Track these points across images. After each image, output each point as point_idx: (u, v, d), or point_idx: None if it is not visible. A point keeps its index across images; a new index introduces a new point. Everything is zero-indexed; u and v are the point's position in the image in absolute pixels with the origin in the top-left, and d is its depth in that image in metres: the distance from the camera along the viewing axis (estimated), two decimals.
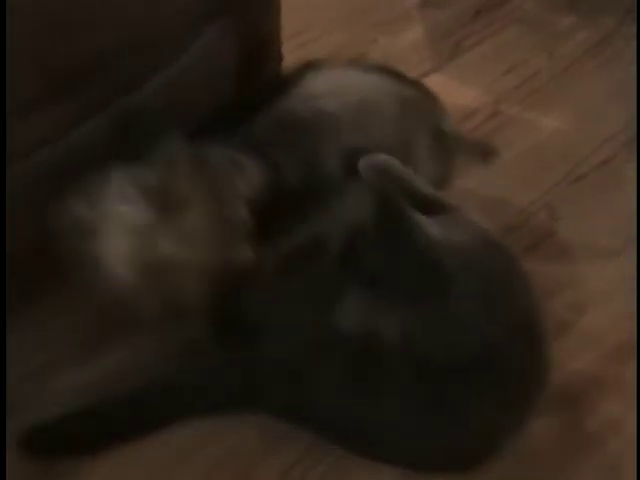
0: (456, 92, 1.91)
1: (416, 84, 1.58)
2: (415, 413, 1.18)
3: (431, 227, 1.27)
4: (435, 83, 1.91)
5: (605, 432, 1.33)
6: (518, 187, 1.69)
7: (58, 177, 1.27)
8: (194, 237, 1.26)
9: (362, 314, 1.20)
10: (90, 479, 1.23)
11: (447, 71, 1.97)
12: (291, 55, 1.81)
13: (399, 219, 1.26)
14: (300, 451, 1.28)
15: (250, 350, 1.25)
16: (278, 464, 1.27)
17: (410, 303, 1.21)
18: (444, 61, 1.99)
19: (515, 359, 1.22)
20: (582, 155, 1.77)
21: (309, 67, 1.52)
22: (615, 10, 2.13)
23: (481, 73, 1.96)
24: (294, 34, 1.92)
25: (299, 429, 1.26)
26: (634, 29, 2.10)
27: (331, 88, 1.45)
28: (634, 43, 2.04)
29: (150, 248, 1.24)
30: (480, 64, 1.99)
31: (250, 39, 1.60)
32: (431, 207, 1.33)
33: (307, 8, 2.03)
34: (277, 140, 1.38)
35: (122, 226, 1.24)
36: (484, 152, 1.60)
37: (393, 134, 1.44)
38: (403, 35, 2.04)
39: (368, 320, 1.19)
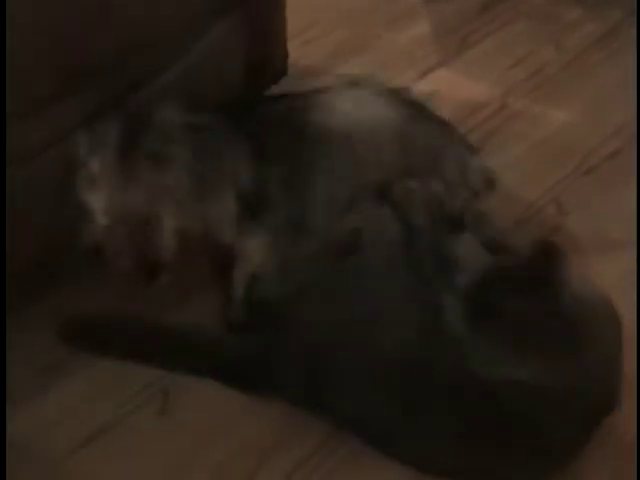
0: (463, 87, 1.91)
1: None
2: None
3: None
4: (442, 78, 1.92)
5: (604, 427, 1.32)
6: (526, 181, 1.69)
7: (68, 175, 1.31)
8: (168, 193, 1.33)
9: (491, 359, 1.21)
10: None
11: (454, 66, 1.96)
12: (296, 52, 1.82)
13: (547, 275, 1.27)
14: (314, 444, 1.28)
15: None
16: (290, 457, 1.27)
17: (541, 352, 1.22)
18: (450, 56, 1.98)
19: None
20: (590, 148, 1.76)
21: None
22: (621, 2, 2.12)
23: (488, 67, 1.95)
24: (299, 31, 1.92)
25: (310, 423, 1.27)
26: None
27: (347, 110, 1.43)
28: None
29: (122, 199, 1.31)
30: (487, 58, 1.98)
31: (257, 36, 1.61)
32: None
33: (312, 5, 2.03)
34: (273, 136, 1.39)
35: (103, 177, 1.31)
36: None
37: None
38: (408, 31, 2.04)
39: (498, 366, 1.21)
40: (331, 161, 1.37)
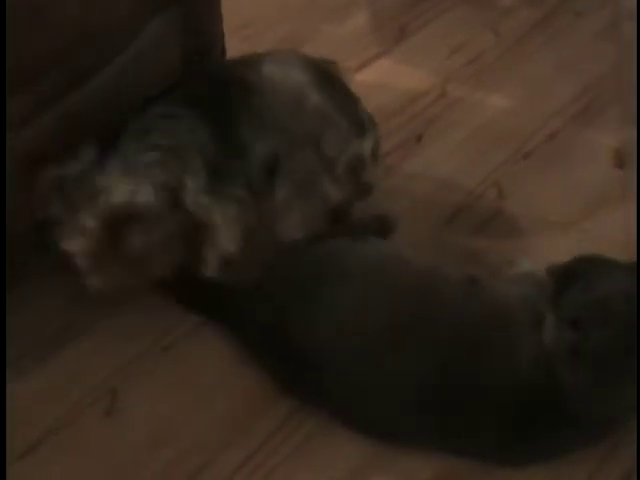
0: (404, 75, 1.92)
1: None
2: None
3: None
4: (382, 67, 1.94)
5: None
6: (467, 167, 1.71)
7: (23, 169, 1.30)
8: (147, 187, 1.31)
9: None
10: None
11: (393, 55, 1.98)
12: (236, 49, 1.81)
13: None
14: (260, 443, 1.29)
15: None
16: (236, 455, 1.28)
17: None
18: (390, 45, 2.00)
19: None
20: (528, 132, 1.79)
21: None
22: None
23: (427, 55, 1.97)
24: (238, 28, 1.92)
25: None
26: (578, 4, 2.13)
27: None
28: (578, 18, 2.08)
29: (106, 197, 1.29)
30: (426, 46, 2.00)
31: (193, 33, 1.60)
32: None
33: (250, 1, 2.04)
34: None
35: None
36: None
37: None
38: (347, 22, 2.05)
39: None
40: (253, 116, 1.41)
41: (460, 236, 1.58)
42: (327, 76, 1.50)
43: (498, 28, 2.06)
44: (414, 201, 1.63)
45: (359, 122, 1.48)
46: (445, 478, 1.25)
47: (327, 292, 1.30)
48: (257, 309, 1.35)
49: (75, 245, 1.31)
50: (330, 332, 1.27)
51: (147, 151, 1.34)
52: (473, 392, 1.22)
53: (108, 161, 1.32)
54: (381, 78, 1.90)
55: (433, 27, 2.06)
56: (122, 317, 1.41)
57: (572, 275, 1.24)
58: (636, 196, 1.65)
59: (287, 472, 1.25)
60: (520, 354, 1.22)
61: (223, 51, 1.71)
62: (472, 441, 1.24)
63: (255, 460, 1.27)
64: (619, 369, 1.20)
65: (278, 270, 1.36)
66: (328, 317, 1.28)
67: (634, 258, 1.34)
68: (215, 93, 1.43)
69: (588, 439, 1.25)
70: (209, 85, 1.46)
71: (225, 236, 1.37)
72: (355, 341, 1.26)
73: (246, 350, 1.37)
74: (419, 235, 1.54)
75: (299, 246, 1.39)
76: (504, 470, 1.25)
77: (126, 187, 1.30)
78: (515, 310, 1.27)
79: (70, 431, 1.29)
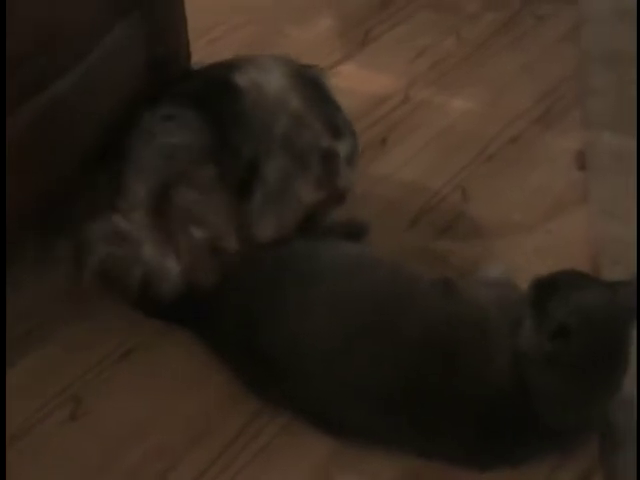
0: (368, 80, 1.94)
1: None
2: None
3: None
4: (346, 72, 1.95)
5: None
6: (431, 170, 1.73)
7: None
8: None
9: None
10: None
11: (358, 59, 2.00)
12: (202, 52, 1.82)
13: None
14: (225, 444, 1.29)
15: None
16: (202, 457, 1.28)
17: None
18: (354, 50, 2.02)
19: None
20: (492, 134, 1.81)
21: None
22: None
23: (391, 60, 1.99)
24: (203, 31, 1.93)
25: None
26: (540, 8, 2.15)
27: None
28: (540, 22, 2.10)
29: None
30: (390, 51, 2.02)
31: (157, 36, 1.60)
32: None
33: (215, 5, 2.05)
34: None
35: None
36: None
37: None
38: (312, 26, 2.06)
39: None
40: (240, 119, 1.44)
41: (425, 238, 1.59)
42: (308, 81, 1.51)
43: (461, 32, 2.08)
44: (379, 204, 1.64)
45: (335, 126, 1.49)
46: (409, 477, 1.25)
47: (297, 292, 1.30)
48: (223, 311, 1.35)
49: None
50: (298, 333, 1.27)
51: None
52: (443, 395, 1.22)
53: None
54: (346, 82, 1.89)
55: (397, 31, 2.08)
56: (84, 322, 1.41)
57: (555, 285, 1.25)
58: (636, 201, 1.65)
59: (253, 472, 1.25)
60: (493, 358, 1.23)
61: (188, 55, 1.71)
62: (440, 443, 1.25)
63: (221, 461, 1.26)
64: (594, 379, 1.21)
65: (245, 272, 1.37)
66: (297, 318, 1.29)
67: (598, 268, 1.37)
68: (207, 95, 1.46)
69: (555, 446, 1.25)
70: (201, 87, 1.49)
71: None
72: (323, 341, 1.26)
73: (211, 352, 1.37)
74: (384, 238, 1.55)
75: (268, 248, 1.40)
76: (469, 471, 1.25)
77: None
78: (490, 313, 1.27)
79: (34, 436, 1.28)
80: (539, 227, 1.63)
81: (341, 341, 1.26)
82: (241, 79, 1.46)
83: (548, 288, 1.23)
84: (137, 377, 1.36)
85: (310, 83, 1.51)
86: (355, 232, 1.51)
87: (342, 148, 1.48)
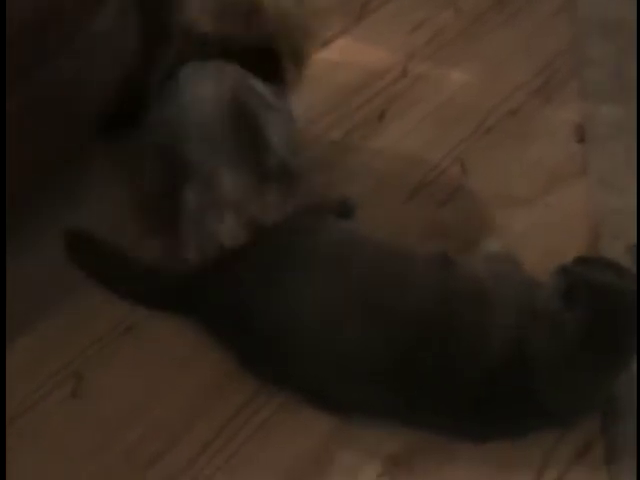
0: (365, 54, 1.92)
1: None
2: None
3: None
4: (343, 46, 1.94)
5: None
6: (429, 144, 1.72)
7: None
8: None
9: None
10: None
11: (355, 33, 1.98)
12: None
13: None
14: (220, 425, 1.29)
15: None
16: (199, 438, 1.28)
17: None
18: (351, 24, 1.99)
19: None
20: (490, 107, 1.80)
21: None
22: None
23: (388, 33, 1.97)
24: None
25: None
26: None
27: None
28: None
29: None
30: (387, 24, 2.00)
31: (150, 17, 1.60)
32: None
33: None
34: None
35: None
36: None
37: None
38: (307, 1, 2.04)
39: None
40: None
41: (424, 211, 1.58)
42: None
43: (458, 5, 2.06)
44: (377, 178, 1.63)
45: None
46: (408, 452, 1.26)
47: (293, 273, 1.30)
48: (221, 292, 1.34)
49: None
50: (296, 311, 1.27)
51: None
52: (441, 368, 1.22)
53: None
54: (342, 56, 1.90)
55: (394, 5, 2.06)
56: (83, 299, 1.40)
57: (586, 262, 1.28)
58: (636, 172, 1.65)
59: (252, 450, 1.25)
60: (491, 332, 1.23)
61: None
62: (438, 417, 1.25)
63: (220, 440, 1.26)
64: (600, 360, 1.22)
65: (241, 254, 1.36)
66: (294, 297, 1.28)
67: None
68: None
69: (555, 422, 1.26)
70: None
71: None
72: (321, 320, 1.26)
73: (209, 332, 1.36)
74: (384, 211, 1.55)
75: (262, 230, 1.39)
76: (457, 450, 1.25)
77: None
78: (488, 288, 1.27)
79: (34, 415, 1.28)
80: (538, 200, 1.63)
81: (336, 320, 1.25)
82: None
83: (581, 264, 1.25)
84: (138, 353, 1.36)
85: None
86: (344, 210, 1.49)
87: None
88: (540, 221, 1.59)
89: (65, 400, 1.30)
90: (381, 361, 1.23)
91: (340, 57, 1.89)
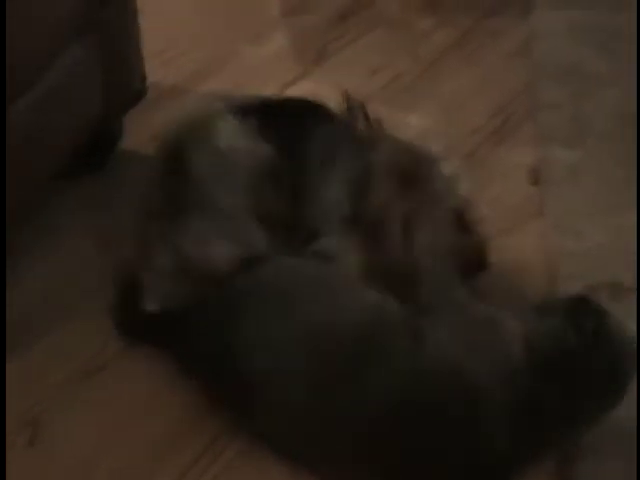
0: (324, 97, 1.92)
1: None
2: None
3: None
4: (303, 89, 1.96)
5: None
6: None
7: None
8: None
9: None
10: None
11: (314, 76, 2.00)
12: (156, 73, 1.82)
13: None
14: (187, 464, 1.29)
15: None
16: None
17: None
18: (310, 67, 2.02)
19: None
20: (447, 151, 1.82)
21: None
22: (472, 9, 2.21)
23: (347, 76, 1.99)
24: (157, 53, 1.92)
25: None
26: (492, 25, 2.18)
27: None
28: (492, 38, 2.13)
29: None
30: (345, 68, 2.03)
31: (113, 58, 1.61)
32: None
33: (168, 26, 2.04)
34: None
35: None
36: None
37: None
38: (267, 45, 2.06)
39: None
40: None
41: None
42: None
43: (416, 50, 2.09)
44: None
45: None
46: None
47: (263, 319, 1.28)
48: (197, 333, 1.33)
49: None
50: (265, 362, 1.25)
51: None
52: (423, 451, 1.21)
53: None
54: None
55: (352, 49, 2.09)
56: (46, 342, 1.40)
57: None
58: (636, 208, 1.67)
59: None
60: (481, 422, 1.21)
61: (143, 77, 1.71)
62: None
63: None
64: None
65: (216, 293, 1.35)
66: (264, 347, 1.26)
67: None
68: None
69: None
70: None
71: None
72: (289, 376, 1.24)
73: (173, 372, 1.36)
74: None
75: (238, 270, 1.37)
76: None
77: None
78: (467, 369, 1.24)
79: None
80: (496, 241, 1.64)
81: (306, 379, 1.24)
82: None
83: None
84: (98, 398, 1.36)
85: None
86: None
87: None
88: (497, 262, 1.60)
89: (24, 447, 1.29)
90: (351, 432, 1.21)
91: None
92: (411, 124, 1.89)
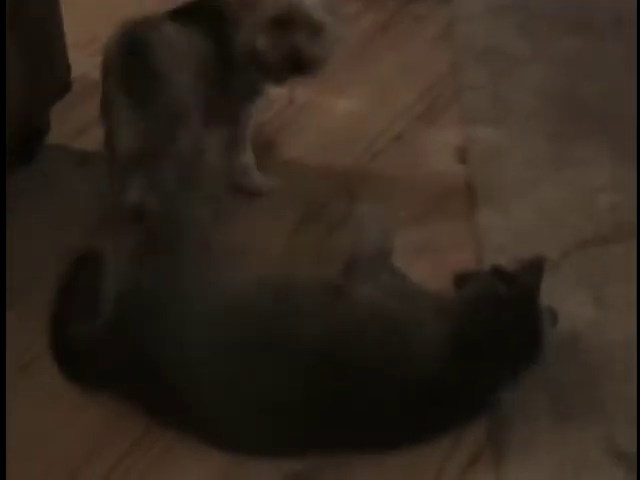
0: None
1: None
2: None
3: None
4: None
5: None
6: (316, 174, 1.75)
7: None
8: None
9: None
10: None
11: None
12: (85, 64, 1.82)
13: None
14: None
15: None
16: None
17: None
18: None
19: None
20: (376, 132, 1.86)
21: None
22: None
23: None
24: (86, 43, 1.92)
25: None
26: (416, 9, 2.22)
27: None
28: (417, 22, 2.16)
29: None
30: None
31: (34, 53, 1.60)
32: None
33: (92, 19, 2.02)
34: None
35: None
36: None
37: None
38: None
39: None
40: None
41: (313, 239, 1.61)
42: None
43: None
44: (265, 208, 1.66)
45: None
46: (310, 468, 1.26)
47: (178, 309, 1.28)
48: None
49: None
50: (185, 348, 1.25)
51: None
52: (352, 401, 1.23)
53: None
54: None
55: None
56: None
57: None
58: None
59: None
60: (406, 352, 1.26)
61: (68, 68, 1.71)
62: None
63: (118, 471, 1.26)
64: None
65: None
66: (182, 333, 1.26)
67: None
68: None
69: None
70: None
71: None
72: (211, 358, 1.25)
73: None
74: (272, 241, 1.58)
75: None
76: (356, 464, 1.27)
77: None
78: (390, 310, 1.29)
79: None
80: (424, 219, 1.67)
81: (228, 357, 1.24)
82: None
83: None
84: (31, 393, 1.35)
85: None
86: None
87: None
88: (427, 240, 1.63)
89: None
90: (283, 399, 1.23)
91: None
92: (339, 107, 1.92)
